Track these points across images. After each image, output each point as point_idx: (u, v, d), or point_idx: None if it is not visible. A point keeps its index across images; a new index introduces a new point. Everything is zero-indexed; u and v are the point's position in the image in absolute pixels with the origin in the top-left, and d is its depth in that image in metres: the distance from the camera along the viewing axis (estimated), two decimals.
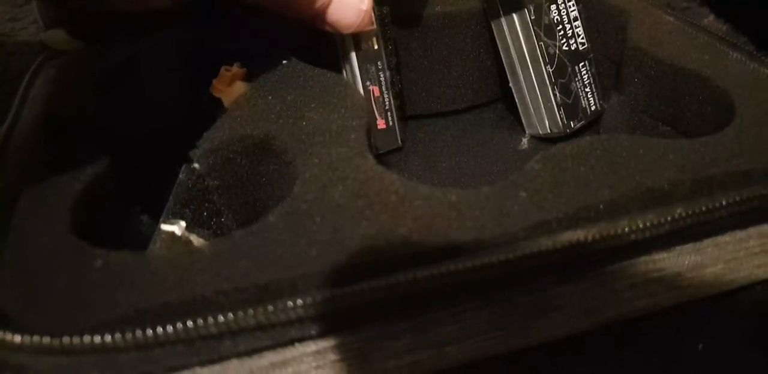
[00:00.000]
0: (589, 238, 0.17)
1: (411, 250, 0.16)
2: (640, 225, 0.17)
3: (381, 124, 0.29)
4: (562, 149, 0.20)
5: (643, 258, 0.18)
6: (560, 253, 0.17)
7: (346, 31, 0.25)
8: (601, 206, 0.18)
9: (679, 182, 0.18)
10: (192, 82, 0.26)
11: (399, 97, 0.30)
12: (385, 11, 0.28)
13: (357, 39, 0.27)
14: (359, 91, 0.26)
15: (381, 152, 0.30)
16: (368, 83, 0.28)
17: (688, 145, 0.20)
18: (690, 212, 0.18)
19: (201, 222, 0.22)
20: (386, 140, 0.30)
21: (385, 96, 0.29)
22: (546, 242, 0.17)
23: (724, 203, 0.18)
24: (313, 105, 0.23)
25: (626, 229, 0.17)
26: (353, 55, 0.27)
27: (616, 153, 0.19)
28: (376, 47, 0.28)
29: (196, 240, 0.22)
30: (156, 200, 0.23)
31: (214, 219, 0.23)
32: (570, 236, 0.17)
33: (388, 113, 0.29)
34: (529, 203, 0.18)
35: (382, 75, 0.28)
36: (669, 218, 0.17)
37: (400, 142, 0.31)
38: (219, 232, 0.23)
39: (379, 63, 0.28)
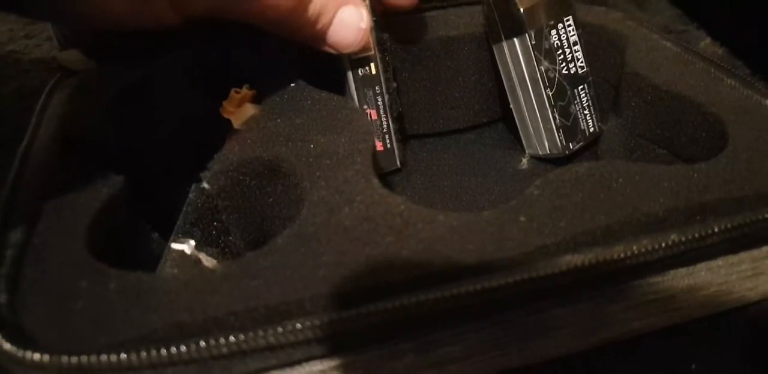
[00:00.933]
0: (586, 262, 0.17)
1: (414, 272, 0.17)
2: (635, 251, 0.18)
3: (378, 146, 0.30)
4: (560, 175, 0.20)
5: (638, 282, 0.19)
6: (558, 277, 0.17)
7: (346, 51, 0.25)
8: (598, 232, 0.18)
9: (673, 209, 0.19)
10: (202, 103, 0.27)
11: (398, 120, 0.31)
12: (384, 38, 0.29)
13: (355, 64, 0.28)
14: (364, 116, 0.27)
15: (380, 173, 0.31)
16: (366, 107, 0.29)
17: (682, 172, 0.21)
18: (683, 239, 0.18)
19: (209, 241, 0.23)
20: (385, 161, 0.31)
21: (383, 119, 0.30)
22: (545, 266, 0.17)
23: (716, 229, 0.18)
24: (320, 128, 0.23)
25: (622, 254, 0.18)
26: (351, 79, 0.28)
27: (612, 179, 0.20)
28: (374, 72, 0.28)
29: (204, 259, 0.22)
30: (166, 219, 0.23)
31: (222, 238, 0.24)
32: (568, 260, 0.18)
33: (386, 136, 0.30)
34: (529, 227, 0.18)
35: (379, 99, 0.29)
36: (663, 245, 0.18)
37: (398, 163, 0.31)
38: (227, 250, 0.24)
39: (377, 88, 0.29)
